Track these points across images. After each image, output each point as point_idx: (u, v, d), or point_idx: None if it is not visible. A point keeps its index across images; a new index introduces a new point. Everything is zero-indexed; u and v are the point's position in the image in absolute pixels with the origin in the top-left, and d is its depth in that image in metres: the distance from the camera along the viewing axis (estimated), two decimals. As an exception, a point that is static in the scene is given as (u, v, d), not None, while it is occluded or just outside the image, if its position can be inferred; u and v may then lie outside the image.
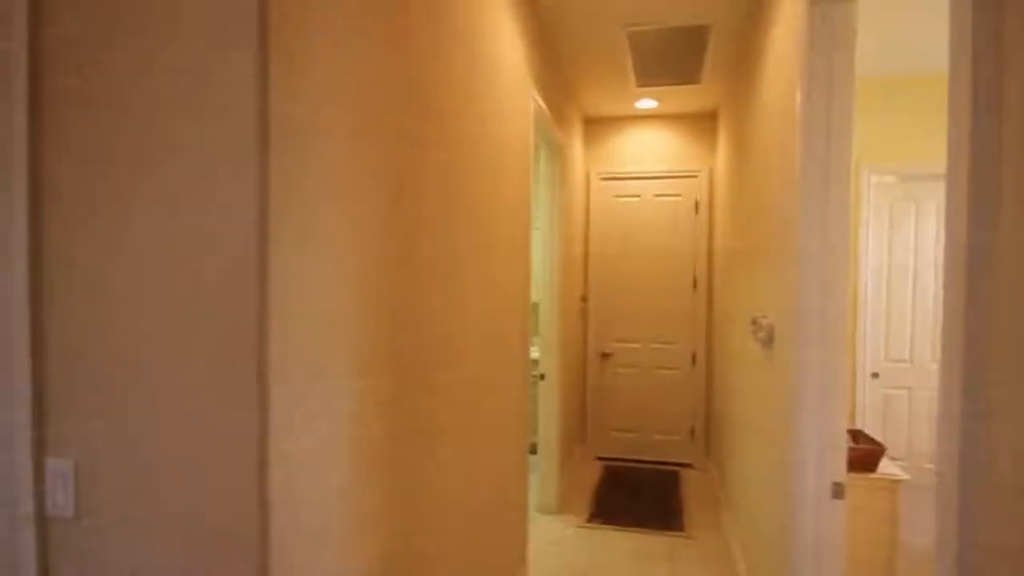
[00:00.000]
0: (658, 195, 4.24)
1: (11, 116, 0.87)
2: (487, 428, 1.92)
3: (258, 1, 0.78)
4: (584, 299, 4.33)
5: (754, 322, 2.27)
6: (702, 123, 4.17)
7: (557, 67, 3.22)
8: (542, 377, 3.32)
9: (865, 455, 2.14)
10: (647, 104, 3.97)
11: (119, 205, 0.85)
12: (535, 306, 3.14)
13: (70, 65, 0.86)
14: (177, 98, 0.82)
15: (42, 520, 0.90)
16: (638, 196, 4.27)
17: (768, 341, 2.07)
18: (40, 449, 0.89)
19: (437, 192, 1.45)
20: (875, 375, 3.44)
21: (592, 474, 4.05)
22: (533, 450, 3.28)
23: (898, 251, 3.44)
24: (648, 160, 4.26)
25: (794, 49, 1.72)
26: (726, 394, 3.38)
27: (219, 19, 0.79)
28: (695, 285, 4.18)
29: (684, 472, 4.11)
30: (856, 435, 2.35)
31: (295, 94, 0.86)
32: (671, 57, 3.16)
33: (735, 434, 2.98)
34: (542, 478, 3.35)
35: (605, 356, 4.35)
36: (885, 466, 2.19)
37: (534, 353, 3.45)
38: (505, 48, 2.10)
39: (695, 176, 4.18)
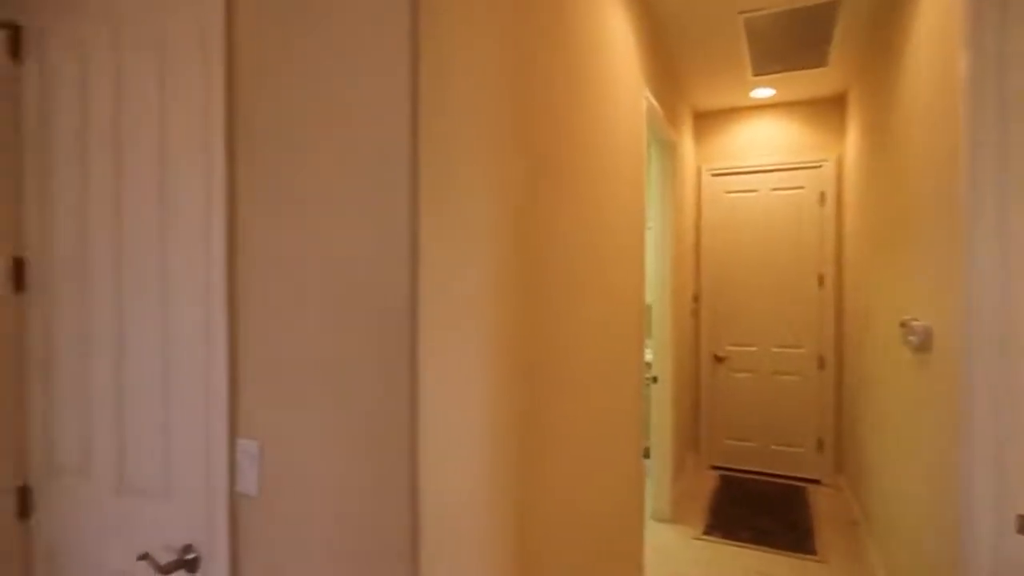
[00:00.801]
0: (777, 188, 3.98)
1: (211, 142, 0.99)
2: (603, 430, 1.89)
3: (409, 24, 0.83)
4: (696, 299, 4.16)
5: (904, 325, 2.05)
6: (827, 109, 3.86)
7: (667, 63, 3.13)
8: (655, 380, 3.23)
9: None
10: (763, 93, 3.75)
11: (287, 221, 0.93)
12: (648, 307, 3.06)
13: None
14: (331, 110, 0.88)
15: (234, 494, 1.00)
16: (754, 191, 4.04)
17: (923, 347, 1.86)
18: (233, 431, 1.00)
19: (560, 197, 1.46)
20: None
21: (706, 483, 3.87)
22: (646, 454, 3.20)
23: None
24: (765, 152, 4.01)
25: (955, 12, 1.54)
26: (863, 404, 3.09)
27: (376, 50, 0.85)
28: (821, 283, 3.87)
29: (811, 488, 3.80)
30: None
31: (444, 108, 0.90)
32: (792, 41, 2.96)
33: (878, 450, 2.71)
34: (655, 484, 3.26)
35: (719, 359, 4.14)
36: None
37: (647, 355, 3.37)
38: (619, 49, 2.07)
39: (819, 166, 3.87)
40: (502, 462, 1.12)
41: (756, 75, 3.41)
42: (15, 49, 1.33)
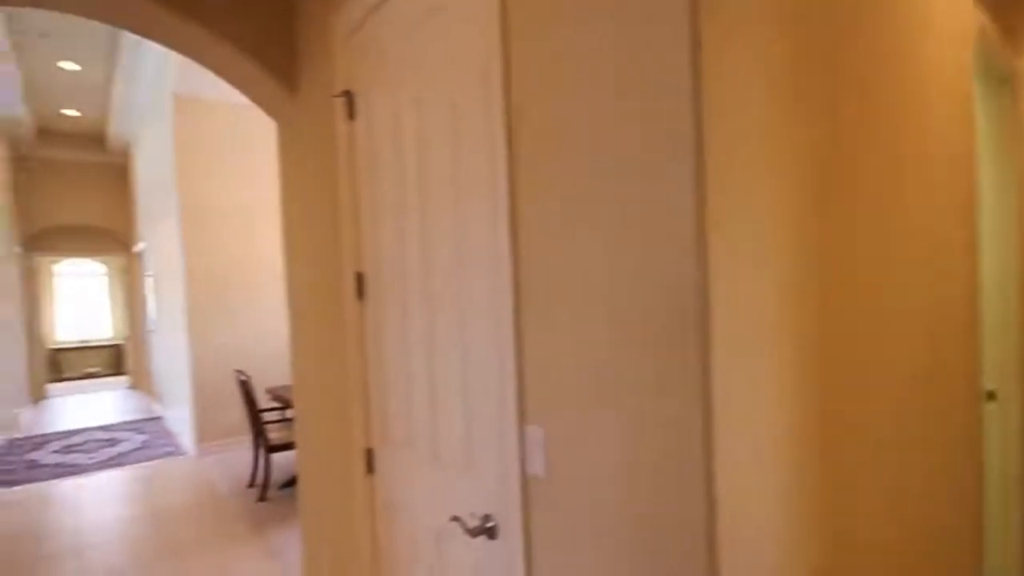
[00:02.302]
0: None
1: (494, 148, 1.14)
2: (920, 458, 1.59)
3: (689, 46, 0.82)
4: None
5: None
6: None
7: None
8: (991, 396, 2.57)
9: None
10: None
11: (563, 239, 1.01)
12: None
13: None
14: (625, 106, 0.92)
15: (524, 475, 1.14)
16: None
17: None
18: (522, 418, 1.14)
19: (866, 180, 1.28)
20: None
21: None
22: (964, 477, 2.58)
23: None
24: None
25: None
26: None
27: (658, 72, 0.86)
28: None
29: None
30: None
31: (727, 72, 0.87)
32: None
33: None
34: (994, 531, 2.61)
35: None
36: None
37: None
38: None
39: None
40: (810, 469, 1.04)
41: None
42: (350, 111, 1.72)
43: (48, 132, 7.68)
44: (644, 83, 0.88)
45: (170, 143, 5.29)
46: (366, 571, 1.78)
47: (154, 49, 5.16)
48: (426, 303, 1.45)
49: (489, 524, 1.25)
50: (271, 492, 4.12)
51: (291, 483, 4.24)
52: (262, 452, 4.11)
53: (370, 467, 1.75)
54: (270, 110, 2.43)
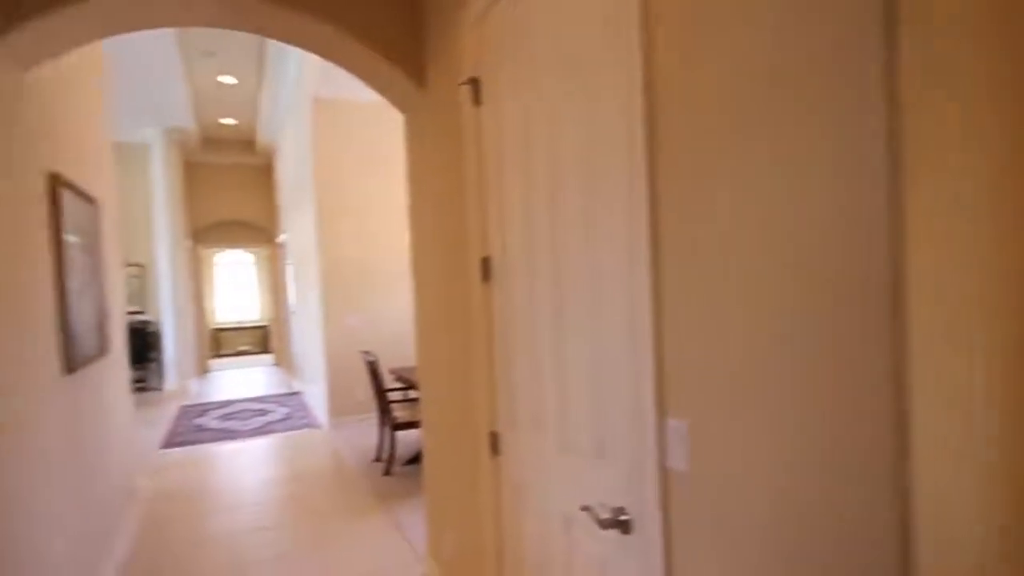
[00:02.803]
0: None
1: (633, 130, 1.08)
2: None
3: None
4: None
5: None
6: None
7: None
8: None
9: None
10: None
11: (708, 223, 0.92)
12: None
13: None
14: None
15: (664, 468, 1.08)
16: None
17: None
18: (661, 411, 1.07)
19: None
20: None
21: None
22: None
23: None
24: None
25: None
26: None
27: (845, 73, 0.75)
28: None
29: None
30: None
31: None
32: None
33: None
34: None
35: None
36: None
37: None
38: None
39: None
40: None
41: None
42: (477, 97, 1.73)
43: (209, 139, 8.72)
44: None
45: (308, 141, 5.76)
46: (491, 552, 1.81)
47: (293, 59, 5.64)
48: (555, 286, 1.42)
49: (623, 517, 1.20)
50: (396, 467, 4.38)
51: (414, 460, 4.47)
52: (387, 429, 4.37)
53: (495, 449, 1.77)
54: (399, 104, 2.54)
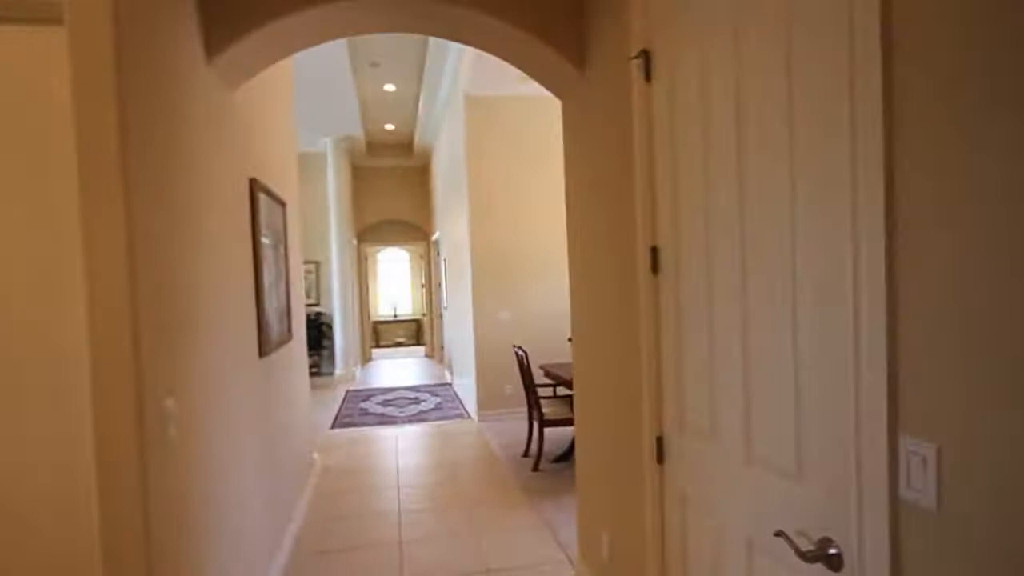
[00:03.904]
0: None
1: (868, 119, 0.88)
2: None
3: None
4: None
5: None
6: None
7: None
8: None
9: None
10: None
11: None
12: None
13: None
14: None
15: (895, 499, 0.87)
16: None
17: None
18: (894, 426, 0.87)
19: None
20: None
21: None
22: None
23: None
24: None
25: None
26: None
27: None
28: None
29: None
30: None
31: None
32: None
33: None
34: None
35: None
36: None
37: None
38: None
39: None
40: None
41: None
42: (648, 73, 1.60)
43: (373, 144, 9.51)
44: None
45: (461, 138, 6.00)
46: (653, 563, 1.68)
47: (449, 62, 5.90)
48: (741, 278, 1.25)
49: (832, 551, 1.00)
50: (544, 464, 4.37)
51: (563, 458, 4.42)
52: (536, 425, 4.37)
53: (660, 456, 1.63)
54: (557, 90, 2.48)
